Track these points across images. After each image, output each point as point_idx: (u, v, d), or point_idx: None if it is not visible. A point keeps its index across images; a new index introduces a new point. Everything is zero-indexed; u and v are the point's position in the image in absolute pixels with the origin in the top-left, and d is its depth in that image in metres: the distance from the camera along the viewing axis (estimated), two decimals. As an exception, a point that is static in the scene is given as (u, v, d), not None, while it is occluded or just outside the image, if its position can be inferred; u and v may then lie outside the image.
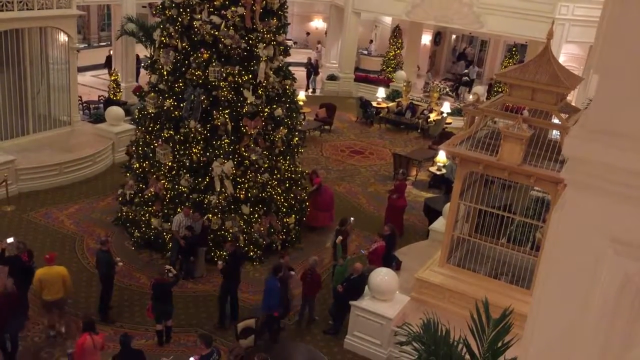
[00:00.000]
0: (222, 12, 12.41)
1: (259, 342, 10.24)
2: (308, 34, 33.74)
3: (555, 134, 11.20)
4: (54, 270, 10.23)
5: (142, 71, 21.37)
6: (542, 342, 2.27)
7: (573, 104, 15.50)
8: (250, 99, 12.60)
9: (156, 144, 13.05)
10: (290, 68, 14.23)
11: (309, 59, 27.48)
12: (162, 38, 12.92)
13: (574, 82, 10.53)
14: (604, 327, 2.04)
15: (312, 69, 27.29)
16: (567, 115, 10.40)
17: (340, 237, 12.25)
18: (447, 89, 26.99)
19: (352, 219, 13.50)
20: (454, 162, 11.25)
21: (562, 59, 19.16)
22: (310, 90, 26.72)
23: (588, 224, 2.06)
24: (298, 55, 26.29)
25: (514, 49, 27.61)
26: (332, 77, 27.31)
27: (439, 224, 13.36)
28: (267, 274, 11.07)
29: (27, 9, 15.60)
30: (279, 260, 11.27)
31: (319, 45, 31.02)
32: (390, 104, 24.41)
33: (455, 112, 23.52)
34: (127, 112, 18.68)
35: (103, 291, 11.02)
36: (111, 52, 24.66)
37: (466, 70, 28.95)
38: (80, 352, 8.76)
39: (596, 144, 1.98)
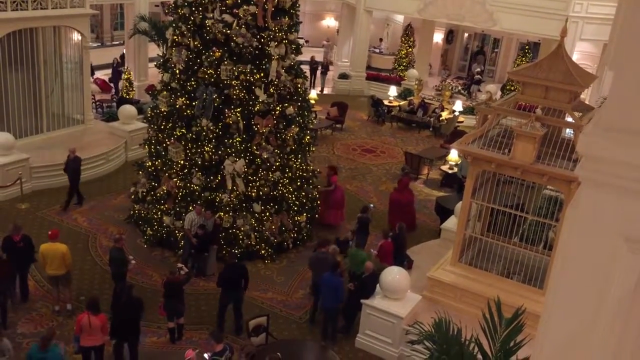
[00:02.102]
0: (234, 10, 12.44)
1: (271, 340, 10.27)
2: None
3: (568, 132, 11.11)
4: (55, 247, 10.84)
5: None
6: (555, 341, 2.26)
7: (587, 102, 15.37)
8: (262, 97, 12.62)
9: (168, 142, 13.11)
10: (302, 67, 14.24)
11: (312, 57, 27.21)
12: (175, 37, 12.98)
13: (587, 81, 10.44)
14: (619, 325, 2.02)
15: (323, 68, 27.20)
16: (580, 114, 10.31)
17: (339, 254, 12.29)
18: (459, 88, 26.88)
19: (372, 205, 14.05)
20: (466, 160, 11.20)
21: (575, 57, 19.03)
22: (318, 89, 26.51)
23: (602, 222, 2.04)
24: (308, 54, 26.24)
25: (526, 47, 27.44)
26: (343, 76, 27.28)
27: (451, 223, 13.31)
28: (326, 271, 10.90)
29: (41, 8, 15.74)
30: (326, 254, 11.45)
31: (325, 42, 30.83)
32: (402, 103, 24.35)
33: (467, 111, 23.43)
34: (140, 111, 18.79)
35: (116, 289, 11.10)
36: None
37: (479, 69, 28.81)
38: (78, 328, 9.29)
39: (611, 141, 1.97)
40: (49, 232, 11.12)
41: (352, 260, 11.76)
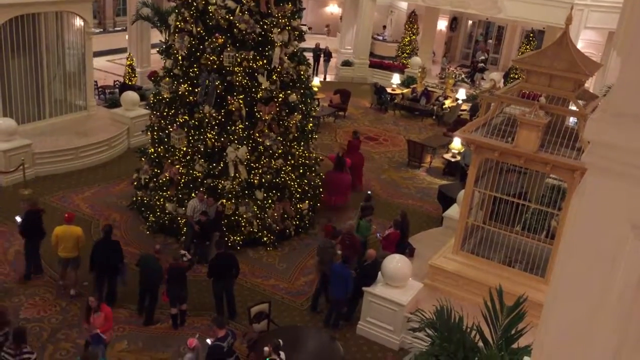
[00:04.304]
0: (237, -4, 12.37)
1: (272, 327, 10.30)
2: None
3: (572, 121, 11.06)
4: (70, 230, 10.90)
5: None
6: (559, 329, 2.25)
7: (591, 90, 15.29)
8: (265, 84, 12.57)
9: (171, 129, 13.09)
10: (305, 54, 14.18)
11: (317, 44, 27.06)
12: (177, 23, 12.91)
13: (592, 69, 10.37)
14: (624, 315, 2.01)
15: (326, 56, 27.05)
16: (584, 102, 10.26)
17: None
18: (463, 76, 26.75)
19: (369, 192, 14.42)
20: (469, 148, 11.17)
21: (580, 45, 18.89)
22: (321, 76, 26.36)
23: (609, 209, 2.03)
24: (312, 41, 26.08)
25: (531, 34, 27.26)
26: (346, 63, 27.17)
27: (453, 211, 13.30)
28: (335, 263, 11.05)
29: (44, -6, 15.67)
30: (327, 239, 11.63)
31: (326, 28, 30.59)
32: (405, 90, 24.25)
33: (471, 99, 23.35)
34: (142, 97, 18.73)
35: (151, 298, 10.66)
36: None
37: (482, 57, 28.67)
38: (110, 320, 9.21)
39: (618, 127, 1.95)
40: (65, 215, 11.24)
41: (362, 230, 12.52)
